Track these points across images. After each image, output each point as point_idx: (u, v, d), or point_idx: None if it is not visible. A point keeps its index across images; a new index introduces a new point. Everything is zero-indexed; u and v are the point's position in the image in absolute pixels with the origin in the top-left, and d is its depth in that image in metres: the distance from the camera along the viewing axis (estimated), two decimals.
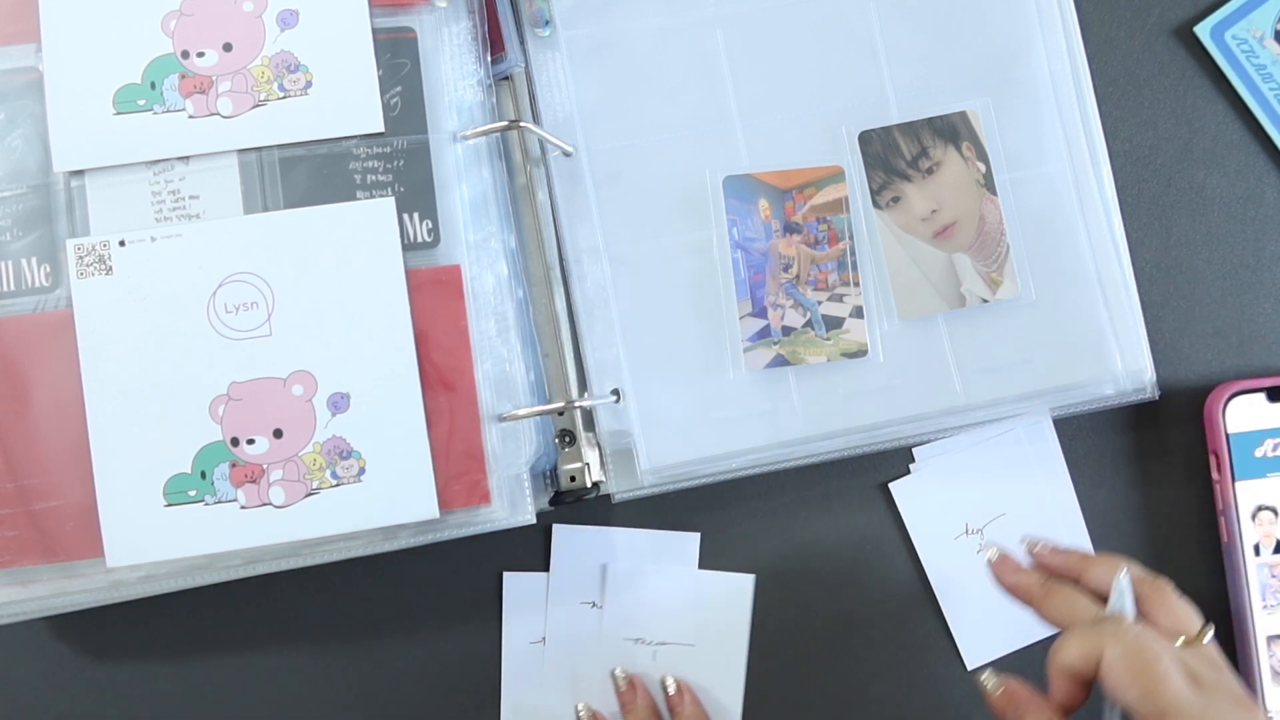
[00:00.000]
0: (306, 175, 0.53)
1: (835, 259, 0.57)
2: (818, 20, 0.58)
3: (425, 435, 0.52)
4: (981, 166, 0.58)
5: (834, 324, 0.57)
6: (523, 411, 0.53)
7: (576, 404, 0.55)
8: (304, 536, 0.51)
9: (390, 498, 0.52)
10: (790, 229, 0.57)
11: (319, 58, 0.54)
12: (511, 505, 0.53)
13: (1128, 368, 0.57)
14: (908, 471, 0.59)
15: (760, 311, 0.57)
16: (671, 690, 0.57)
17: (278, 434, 0.52)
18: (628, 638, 0.58)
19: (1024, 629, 0.58)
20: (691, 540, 0.59)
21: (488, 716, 0.58)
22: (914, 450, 0.59)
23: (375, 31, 0.54)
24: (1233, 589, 0.58)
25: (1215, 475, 0.58)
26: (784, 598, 0.59)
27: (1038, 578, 0.49)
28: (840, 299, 0.57)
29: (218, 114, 0.53)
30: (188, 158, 0.53)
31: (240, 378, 0.52)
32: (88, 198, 0.53)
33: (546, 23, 0.58)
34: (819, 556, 0.59)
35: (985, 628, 0.58)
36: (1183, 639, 0.44)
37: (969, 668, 0.58)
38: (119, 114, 0.53)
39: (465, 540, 0.53)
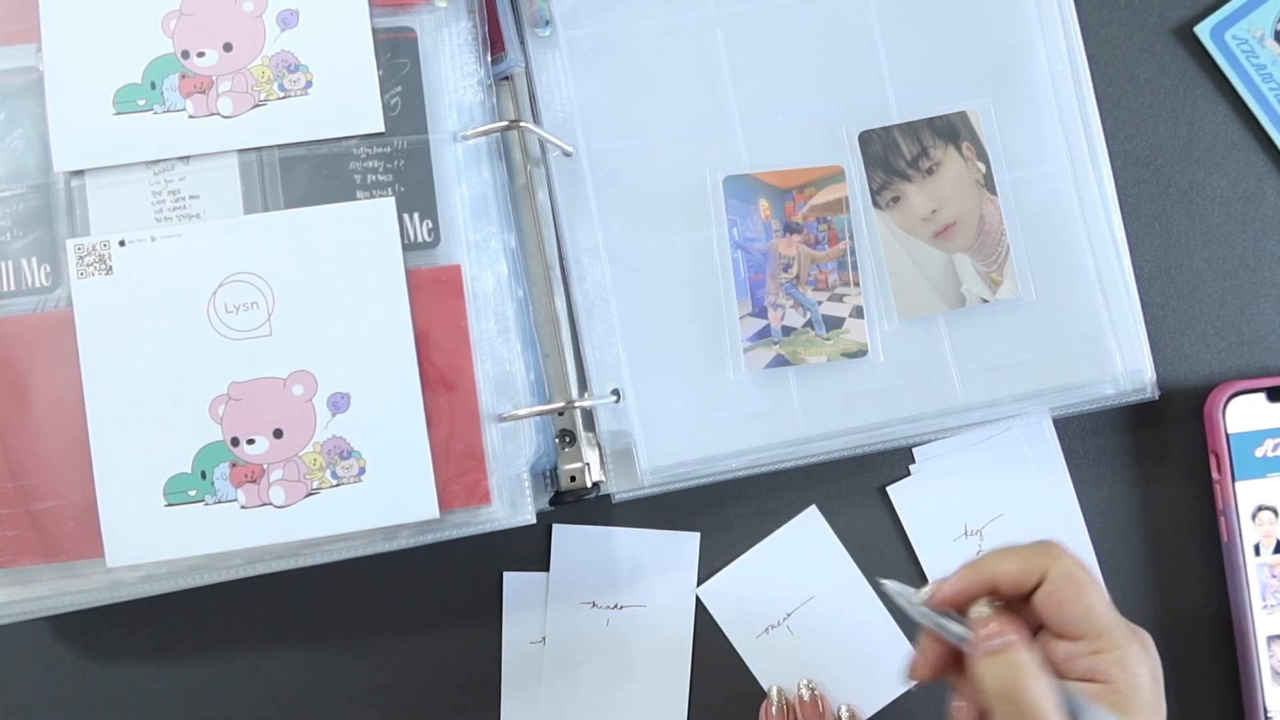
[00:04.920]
0: (306, 175, 0.53)
1: (835, 259, 0.57)
2: (818, 20, 0.58)
3: (425, 435, 0.52)
4: (981, 166, 0.58)
5: (834, 324, 0.57)
6: (523, 411, 0.53)
7: (576, 404, 0.55)
8: (304, 536, 0.51)
9: (390, 498, 0.52)
10: (790, 229, 0.57)
11: (319, 58, 0.54)
12: (511, 505, 0.53)
13: (1127, 367, 0.57)
14: (907, 473, 0.59)
15: (760, 311, 0.57)
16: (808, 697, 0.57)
17: (278, 434, 0.52)
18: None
19: None
20: (691, 540, 0.59)
21: (488, 716, 0.58)
22: (914, 451, 0.59)
23: (375, 31, 0.54)
24: (1233, 589, 0.58)
25: (1215, 475, 0.58)
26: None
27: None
28: (840, 299, 0.57)
29: (218, 114, 0.53)
30: (188, 158, 0.53)
31: (240, 378, 0.52)
32: (88, 198, 0.53)
33: (546, 23, 0.57)
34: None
35: None
36: None
37: None
38: (119, 114, 0.53)
39: (465, 540, 0.53)
